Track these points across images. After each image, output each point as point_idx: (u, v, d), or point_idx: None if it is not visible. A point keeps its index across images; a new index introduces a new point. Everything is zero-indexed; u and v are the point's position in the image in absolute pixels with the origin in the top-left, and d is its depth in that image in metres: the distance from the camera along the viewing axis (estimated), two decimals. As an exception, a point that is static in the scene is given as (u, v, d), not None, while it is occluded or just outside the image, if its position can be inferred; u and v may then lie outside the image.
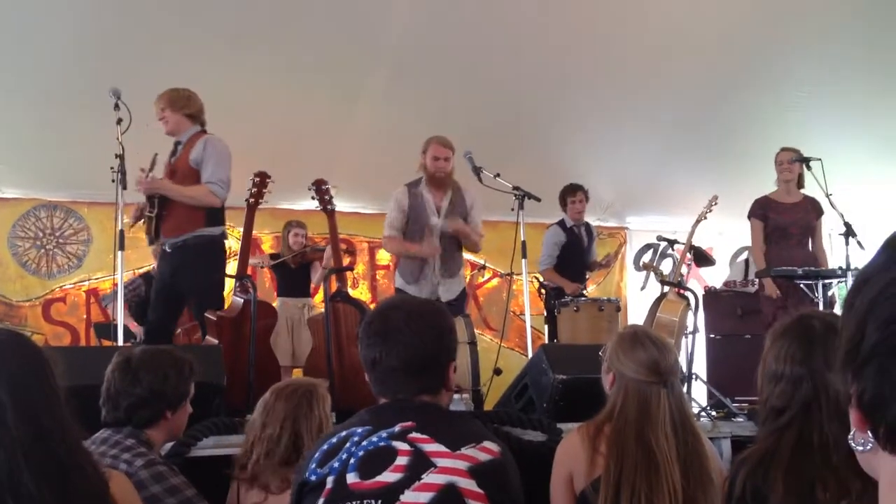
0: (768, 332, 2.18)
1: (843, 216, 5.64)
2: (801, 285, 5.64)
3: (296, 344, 6.83)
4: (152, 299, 5.35)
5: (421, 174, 5.59)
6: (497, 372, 5.45)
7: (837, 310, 5.17)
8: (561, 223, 6.94)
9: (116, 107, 4.93)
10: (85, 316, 8.01)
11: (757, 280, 6.41)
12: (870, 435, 0.80)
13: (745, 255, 7.80)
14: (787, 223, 6.14)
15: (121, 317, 5.02)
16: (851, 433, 0.82)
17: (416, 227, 5.54)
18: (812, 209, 6.17)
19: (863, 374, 0.78)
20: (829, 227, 6.31)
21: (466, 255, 6.16)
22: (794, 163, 6.04)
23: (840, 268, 5.52)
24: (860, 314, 0.79)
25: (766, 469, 1.96)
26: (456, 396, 4.00)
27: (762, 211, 6.23)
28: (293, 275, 7.13)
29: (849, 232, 5.63)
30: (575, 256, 6.88)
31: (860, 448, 0.81)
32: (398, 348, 2.07)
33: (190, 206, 5.03)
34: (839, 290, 5.77)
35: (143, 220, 5.20)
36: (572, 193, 6.88)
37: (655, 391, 2.57)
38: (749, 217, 6.31)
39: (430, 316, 2.15)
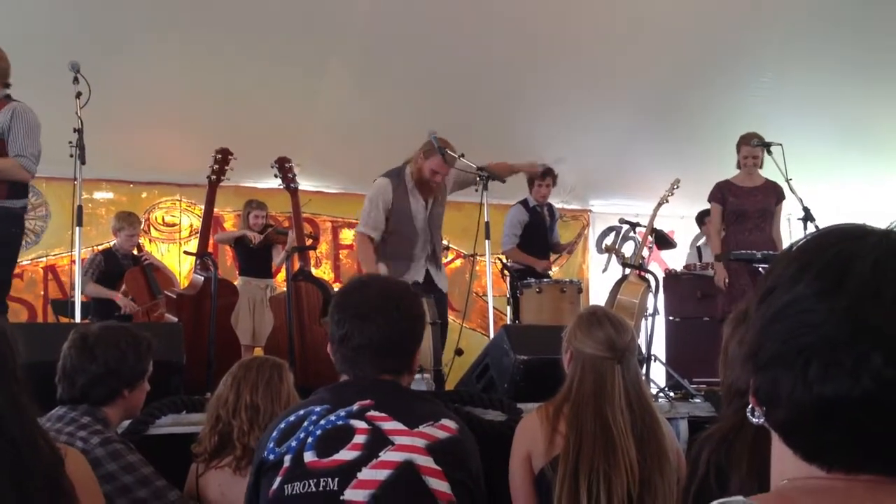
0: (726, 321, 2.19)
1: (801, 201, 5.70)
2: (760, 269, 5.70)
3: (257, 323, 6.80)
4: None
5: (405, 165, 5.33)
6: (459, 352, 5.46)
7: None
8: (524, 202, 6.90)
9: (76, 80, 4.80)
10: (42, 292, 7.90)
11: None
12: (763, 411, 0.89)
13: (703, 240, 7.87)
14: (745, 207, 6.17)
15: (78, 293, 4.95)
16: (750, 407, 0.91)
17: (397, 223, 5.28)
18: (772, 193, 6.17)
19: (759, 375, 0.88)
20: (788, 213, 6.35)
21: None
22: (756, 147, 6.06)
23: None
24: (764, 321, 0.88)
25: (729, 445, 1.98)
26: (418, 376, 4.01)
27: (721, 194, 6.25)
28: (255, 254, 7.07)
29: (807, 217, 5.69)
30: (537, 236, 6.85)
31: (756, 421, 0.90)
32: (371, 328, 2.06)
33: None
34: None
35: None
36: (541, 177, 6.80)
37: (610, 367, 2.61)
38: (709, 201, 6.34)
39: (405, 300, 2.15)
